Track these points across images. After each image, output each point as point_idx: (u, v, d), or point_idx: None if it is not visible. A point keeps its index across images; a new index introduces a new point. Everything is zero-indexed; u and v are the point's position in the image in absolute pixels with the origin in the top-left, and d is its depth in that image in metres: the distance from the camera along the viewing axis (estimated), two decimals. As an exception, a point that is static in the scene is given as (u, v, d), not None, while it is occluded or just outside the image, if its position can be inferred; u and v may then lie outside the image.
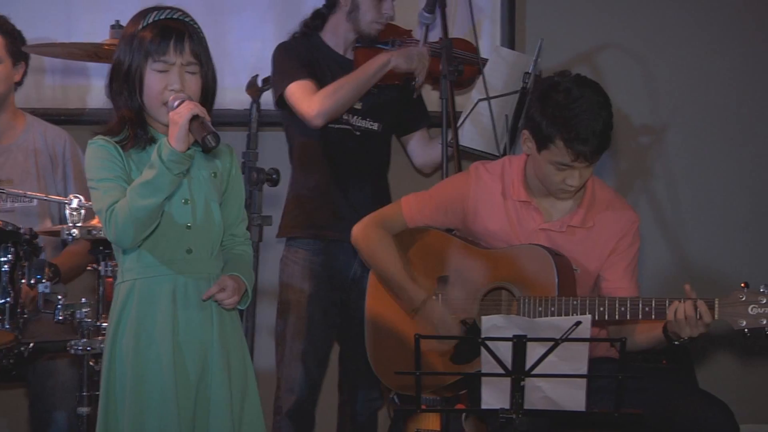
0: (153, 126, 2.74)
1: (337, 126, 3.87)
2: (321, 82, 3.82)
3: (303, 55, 3.86)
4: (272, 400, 3.82)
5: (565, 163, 3.17)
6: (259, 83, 3.48)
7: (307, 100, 3.68)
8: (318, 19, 3.99)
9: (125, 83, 2.70)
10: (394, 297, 3.41)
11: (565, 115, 3.13)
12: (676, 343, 3.11)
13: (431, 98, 4.15)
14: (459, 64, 3.83)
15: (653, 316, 3.08)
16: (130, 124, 2.70)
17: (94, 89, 4.21)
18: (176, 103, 2.63)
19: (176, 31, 2.69)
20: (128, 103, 2.70)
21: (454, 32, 4.00)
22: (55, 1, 4.22)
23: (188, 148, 2.60)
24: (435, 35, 3.92)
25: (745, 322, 3.00)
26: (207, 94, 2.75)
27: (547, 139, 3.17)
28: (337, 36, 3.96)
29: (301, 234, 3.90)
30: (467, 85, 4.06)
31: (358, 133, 3.92)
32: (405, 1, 4.14)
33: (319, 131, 3.83)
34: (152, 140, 2.72)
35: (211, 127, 2.59)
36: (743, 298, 3.01)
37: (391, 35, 4.00)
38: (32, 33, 3.90)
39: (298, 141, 3.93)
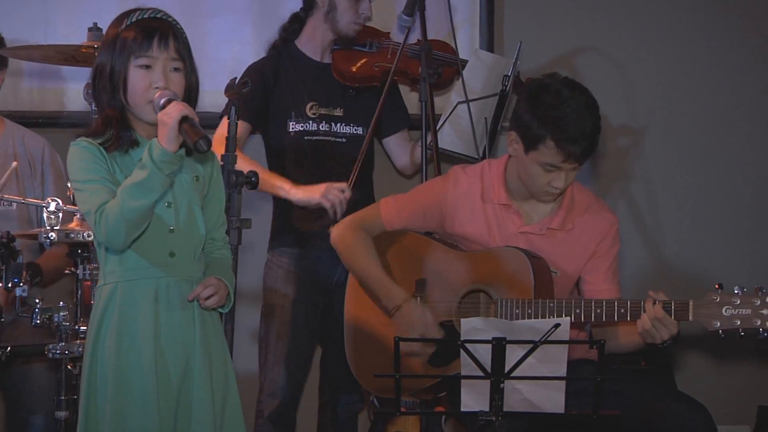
0: (136, 128, 2.73)
1: (316, 138, 3.91)
2: (292, 95, 3.88)
3: (259, 88, 3.82)
4: (253, 403, 3.83)
5: (554, 164, 3.19)
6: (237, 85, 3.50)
7: (217, 137, 3.45)
8: (296, 22, 4.02)
9: (109, 83, 2.69)
10: (372, 298, 3.42)
11: (555, 115, 3.16)
12: (660, 346, 3.13)
13: (411, 101, 4.18)
14: (438, 67, 3.86)
15: (629, 318, 3.11)
16: (113, 124, 2.69)
17: (71, 92, 4.21)
18: (162, 101, 2.62)
19: (160, 30, 2.68)
20: (111, 101, 2.69)
21: (433, 35, 4.03)
22: (32, 3, 4.21)
23: (179, 149, 2.61)
24: (414, 37, 3.96)
25: (719, 324, 3.03)
26: (190, 93, 2.74)
27: (536, 139, 3.19)
28: (314, 40, 3.99)
29: (285, 242, 3.93)
30: (446, 86, 4.10)
31: (343, 140, 3.95)
32: (383, 3, 4.18)
33: (298, 143, 3.86)
34: (135, 143, 2.71)
35: (201, 130, 2.58)
36: (717, 300, 3.03)
37: (369, 37, 4.03)
38: (8, 35, 3.90)
39: (278, 152, 3.96)
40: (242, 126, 3.79)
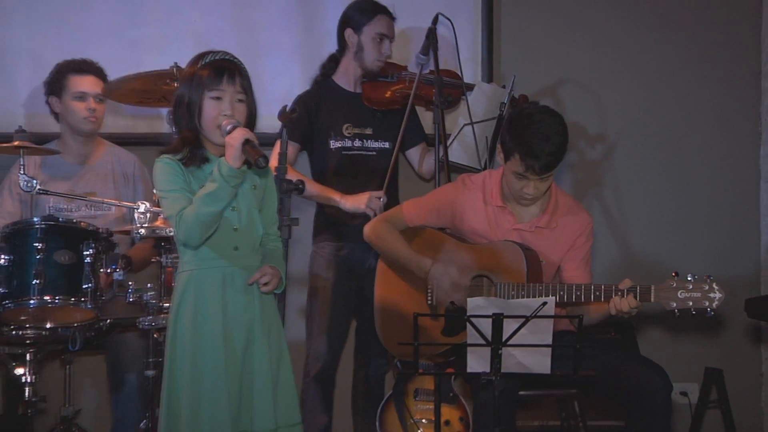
0: (207, 147, 2.81)
1: (351, 153, 3.95)
2: (331, 119, 3.90)
3: (304, 115, 3.87)
4: (301, 366, 3.88)
5: (519, 172, 3.23)
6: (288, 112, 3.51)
7: (275, 154, 3.41)
8: (332, 61, 4.07)
9: (187, 111, 2.76)
10: (403, 272, 3.42)
11: (523, 134, 3.20)
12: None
13: (426, 120, 4.19)
14: (449, 95, 3.87)
15: (602, 299, 3.16)
16: (189, 144, 2.77)
17: (156, 118, 4.25)
18: (229, 128, 2.70)
19: (228, 69, 2.76)
20: (188, 125, 2.77)
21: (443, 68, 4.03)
22: (124, 46, 4.23)
23: (242, 165, 2.66)
24: (426, 68, 3.97)
25: (675, 305, 3.05)
26: (251, 119, 2.81)
27: (509, 152, 3.25)
28: (347, 75, 4.03)
29: (327, 237, 3.97)
30: (455, 104, 4.11)
31: (374, 153, 3.97)
32: (401, 42, 4.19)
33: (337, 157, 3.89)
34: (206, 159, 2.79)
35: (260, 150, 2.66)
36: (674, 285, 3.06)
37: (391, 70, 4.06)
38: (108, 73, 3.93)
39: (321, 164, 3.98)
40: (293, 146, 3.85)
